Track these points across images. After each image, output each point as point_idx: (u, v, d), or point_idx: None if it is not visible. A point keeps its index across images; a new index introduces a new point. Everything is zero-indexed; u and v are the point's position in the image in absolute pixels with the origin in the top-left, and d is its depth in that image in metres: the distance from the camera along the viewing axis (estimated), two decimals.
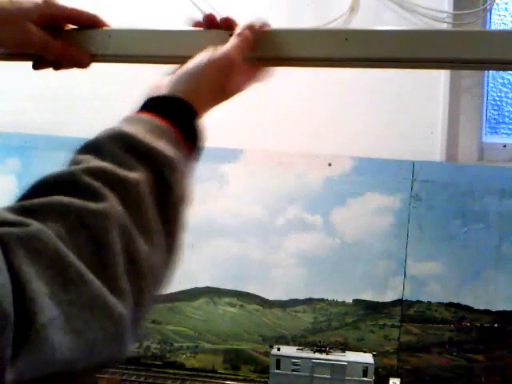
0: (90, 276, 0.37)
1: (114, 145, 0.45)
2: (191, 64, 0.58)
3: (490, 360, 1.40)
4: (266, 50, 0.64)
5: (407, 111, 1.49)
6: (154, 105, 0.52)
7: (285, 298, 1.48)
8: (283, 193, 1.49)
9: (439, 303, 1.42)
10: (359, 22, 1.47)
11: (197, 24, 0.68)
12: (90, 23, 0.66)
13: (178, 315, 1.52)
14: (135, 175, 0.44)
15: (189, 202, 0.50)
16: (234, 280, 1.50)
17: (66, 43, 0.64)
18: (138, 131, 0.47)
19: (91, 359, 0.37)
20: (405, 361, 1.43)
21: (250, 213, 1.50)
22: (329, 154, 1.47)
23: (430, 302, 1.42)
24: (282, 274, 1.49)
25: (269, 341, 1.47)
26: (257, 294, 1.49)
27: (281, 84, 1.53)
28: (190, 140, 0.52)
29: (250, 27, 0.64)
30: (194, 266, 1.51)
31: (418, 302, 1.43)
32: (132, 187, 0.43)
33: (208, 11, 1.68)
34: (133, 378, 1.43)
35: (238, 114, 1.55)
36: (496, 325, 1.40)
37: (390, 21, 1.47)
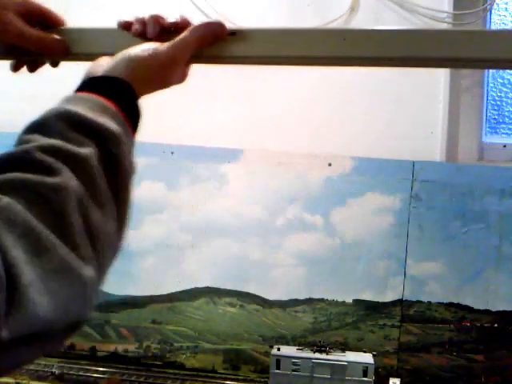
0: (58, 243, 0.40)
1: (60, 123, 0.48)
2: (134, 50, 0.60)
3: (490, 360, 1.40)
4: (266, 48, 0.64)
5: (407, 111, 1.49)
6: (94, 84, 0.55)
7: (285, 297, 1.48)
8: (283, 193, 1.49)
9: (439, 303, 1.42)
10: (359, 22, 1.47)
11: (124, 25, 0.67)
12: (58, 25, 0.67)
13: (177, 315, 1.52)
14: (85, 150, 0.46)
15: (134, 173, 0.53)
16: (234, 280, 1.50)
17: (43, 32, 0.64)
18: (82, 109, 0.50)
19: (66, 318, 0.41)
20: (405, 361, 1.43)
21: (250, 213, 1.50)
22: (329, 154, 1.47)
23: (430, 302, 1.42)
24: (282, 274, 1.49)
25: (269, 341, 1.47)
26: (257, 293, 1.49)
27: (281, 84, 1.53)
28: (129, 117, 0.54)
29: (205, 26, 0.64)
30: (193, 266, 1.51)
31: (418, 302, 1.43)
32: (83, 161, 0.46)
33: (208, 11, 1.69)
34: (133, 378, 1.44)
35: (238, 114, 1.55)
36: (496, 325, 1.40)
37: (389, 21, 1.47)
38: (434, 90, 1.48)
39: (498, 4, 1.53)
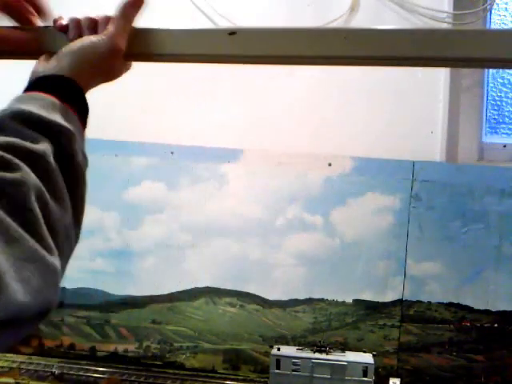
0: (26, 235, 0.42)
1: (14, 122, 0.50)
2: (75, 44, 0.62)
3: (490, 360, 1.40)
4: (267, 47, 0.64)
5: (407, 111, 1.49)
6: (42, 84, 0.57)
7: (285, 298, 1.48)
8: (283, 193, 1.49)
9: (439, 303, 1.42)
10: (359, 22, 1.47)
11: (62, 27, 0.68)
12: (41, 14, 0.68)
13: (177, 315, 1.52)
14: (40, 146, 0.48)
15: (87, 167, 0.55)
16: (234, 280, 1.50)
17: (17, 31, 0.66)
18: (34, 107, 0.52)
19: (40, 304, 0.43)
20: (405, 361, 1.43)
21: (250, 213, 1.50)
22: (329, 154, 1.47)
23: (430, 302, 1.42)
24: (282, 274, 1.49)
25: (269, 341, 1.47)
26: (257, 294, 1.49)
27: (281, 84, 1.53)
28: (78, 113, 0.57)
29: (128, 5, 0.65)
30: (194, 266, 1.51)
31: (418, 302, 1.43)
32: (40, 157, 0.48)
33: (208, 11, 1.69)
34: (133, 378, 1.43)
35: (238, 114, 1.55)
36: (496, 325, 1.40)
37: (390, 21, 1.47)
38: (434, 89, 1.48)
39: (498, 4, 1.53)
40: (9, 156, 0.46)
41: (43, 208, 0.45)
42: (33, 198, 0.44)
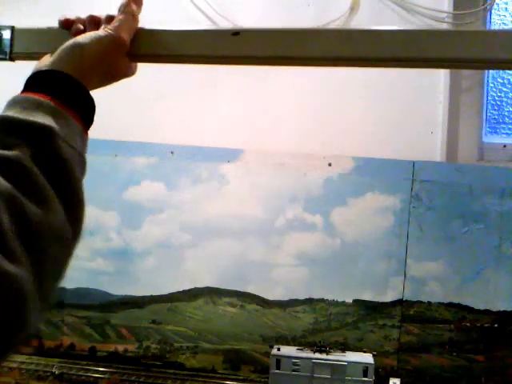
0: None
1: None
2: (78, 38, 0.61)
3: (490, 360, 1.40)
4: (270, 48, 0.64)
5: (407, 111, 1.49)
6: (34, 81, 0.56)
7: (285, 298, 1.48)
8: (283, 193, 1.49)
9: (439, 303, 1.42)
10: (359, 22, 1.47)
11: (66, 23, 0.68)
12: None
13: (177, 315, 1.52)
14: (14, 152, 0.47)
15: (80, 160, 0.54)
16: (233, 280, 1.50)
17: None
18: (14, 111, 0.51)
19: None
20: (405, 361, 1.43)
21: (250, 213, 1.49)
22: (329, 154, 1.47)
23: (430, 302, 1.42)
24: (282, 274, 1.49)
25: (269, 341, 1.47)
26: (257, 294, 1.49)
27: (281, 84, 1.53)
28: (74, 106, 0.55)
29: (130, 1, 0.66)
30: (194, 266, 1.51)
31: (418, 302, 1.43)
32: (14, 163, 0.47)
33: (208, 11, 1.69)
34: (133, 378, 1.43)
35: (239, 114, 1.55)
36: (496, 325, 1.40)
37: (389, 21, 1.47)
38: (434, 90, 1.48)
39: (498, 4, 1.53)
40: None
41: (14, 213, 0.44)
42: (2, 205, 0.43)
